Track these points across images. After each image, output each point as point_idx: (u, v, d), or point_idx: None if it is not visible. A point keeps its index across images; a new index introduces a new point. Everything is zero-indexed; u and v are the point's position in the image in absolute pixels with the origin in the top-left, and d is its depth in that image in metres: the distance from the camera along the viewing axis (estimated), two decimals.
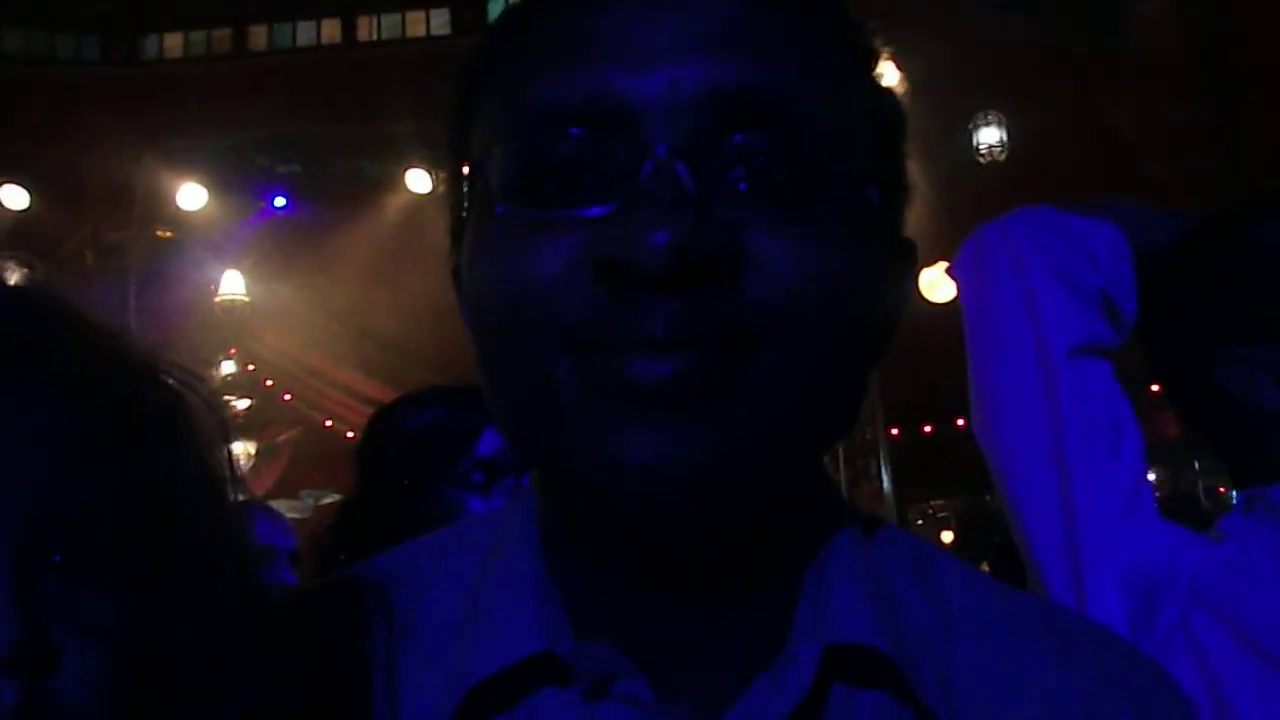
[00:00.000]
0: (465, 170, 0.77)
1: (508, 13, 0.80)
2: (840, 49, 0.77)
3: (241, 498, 0.79)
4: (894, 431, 14.20)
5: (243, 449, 15.38)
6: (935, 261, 12.69)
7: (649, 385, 0.66)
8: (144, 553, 0.69)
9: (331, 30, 16.50)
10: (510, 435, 0.77)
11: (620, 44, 0.70)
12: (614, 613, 0.78)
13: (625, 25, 0.71)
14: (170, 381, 0.76)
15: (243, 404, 15.74)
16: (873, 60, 0.81)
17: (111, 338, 0.75)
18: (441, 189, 0.83)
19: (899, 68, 10.76)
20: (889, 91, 0.81)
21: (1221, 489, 10.27)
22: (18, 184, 11.71)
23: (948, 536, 13.92)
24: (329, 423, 18.05)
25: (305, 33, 16.54)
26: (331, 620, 0.83)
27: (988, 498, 14.30)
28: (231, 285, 13.42)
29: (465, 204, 0.77)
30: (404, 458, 2.31)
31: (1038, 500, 1.50)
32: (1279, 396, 1.47)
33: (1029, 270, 1.56)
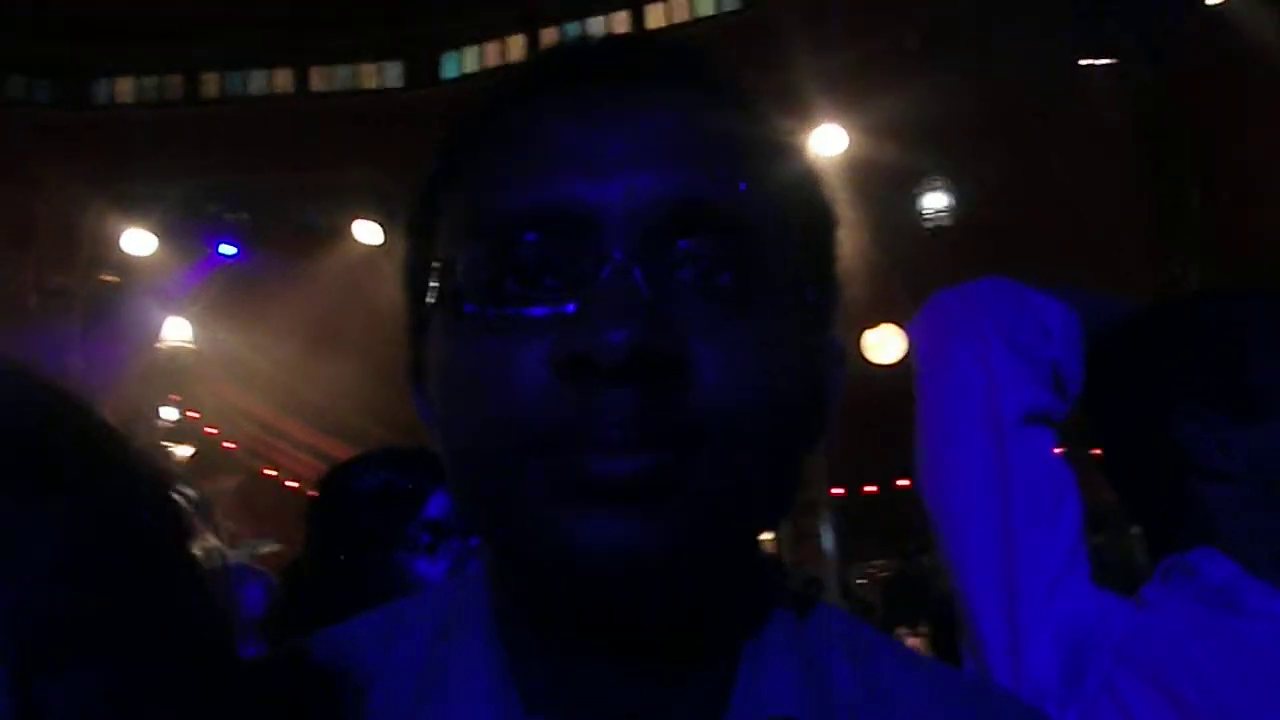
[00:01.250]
0: (435, 267, 0.80)
1: (473, 115, 0.85)
2: (776, 156, 0.82)
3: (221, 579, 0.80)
4: (837, 491, 14.26)
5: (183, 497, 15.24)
6: (880, 323, 12.82)
7: (608, 482, 0.71)
8: (140, 649, 0.70)
9: (284, 79, 16.53)
10: (470, 519, 0.81)
11: (581, 154, 0.75)
12: (563, 688, 0.81)
13: (585, 136, 0.76)
14: (162, 481, 0.77)
15: (184, 451, 15.60)
16: (805, 164, 0.86)
17: (110, 437, 0.76)
18: (401, 272, 0.87)
19: (845, 133, 10.94)
20: (821, 193, 0.87)
21: None
22: None
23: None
24: (270, 471, 17.90)
25: (257, 81, 16.55)
26: (287, 699, 0.85)
27: (924, 558, 14.39)
28: (177, 332, 13.35)
29: (431, 301, 0.81)
30: (353, 519, 2.32)
31: (980, 559, 1.54)
32: (1219, 459, 1.51)
33: (986, 337, 1.61)
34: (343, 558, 2.26)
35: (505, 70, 0.85)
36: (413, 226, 0.85)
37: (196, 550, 0.78)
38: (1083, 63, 11.37)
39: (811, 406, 0.82)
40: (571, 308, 0.72)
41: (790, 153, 0.85)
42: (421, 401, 0.86)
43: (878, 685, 0.87)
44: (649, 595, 0.74)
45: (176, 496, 0.78)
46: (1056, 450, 1.59)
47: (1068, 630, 1.47)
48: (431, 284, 0.80)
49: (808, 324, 0.80)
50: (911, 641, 8.13)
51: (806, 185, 0.86)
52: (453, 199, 0.82)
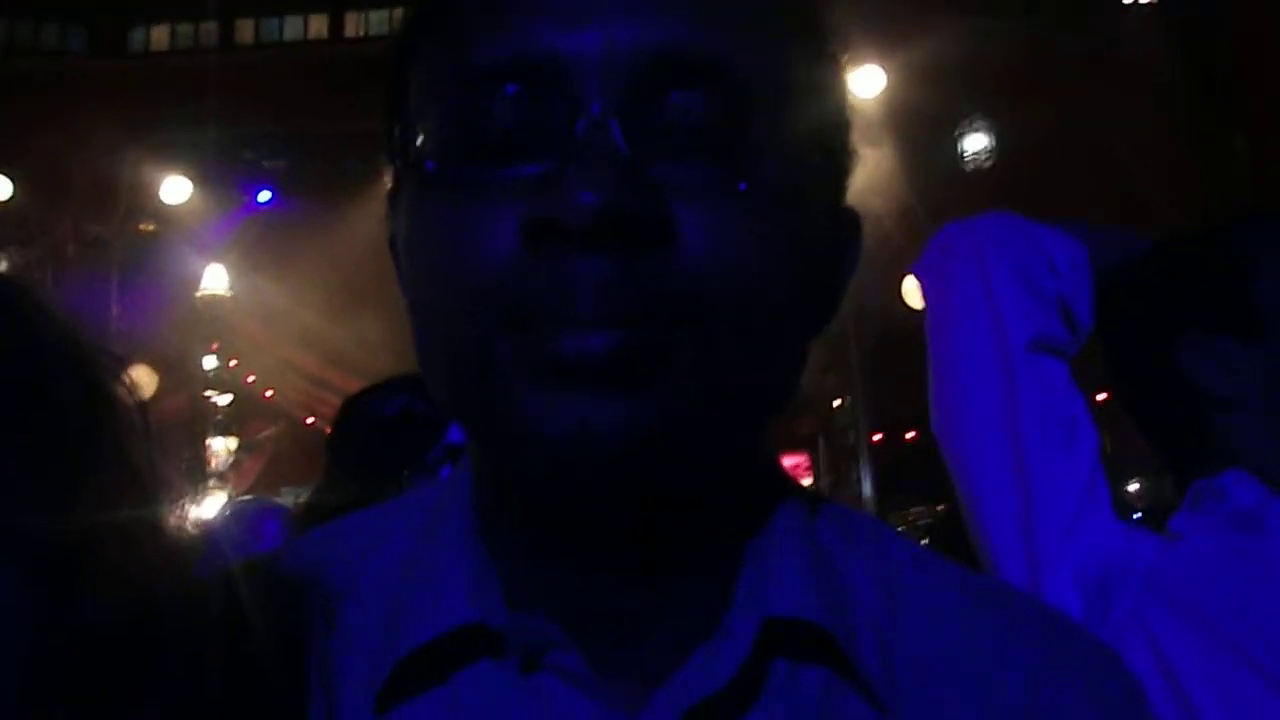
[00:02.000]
0: (400, 130, 0.75)
1: None
2: (779, 9, 0.75)
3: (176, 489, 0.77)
4: (876, 438, 14.24)
5: (224, 445, 15.38)
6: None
7: (580, 360, 0.65)
8: (74, 547, 0.68)
9: (319, 25, 16.51)
10: (443, 400, 0.76)
11: (555, 1, 0.69)
12: (548, 586, 0.76)
13: None
14: (93, 363, 0.75)
15: (224, 399, 15.73)
16: (815, 27, 0.79)
17: (34, 310, 0.73)
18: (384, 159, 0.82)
19: (884, 74, 10.83)
20: (832, 58, 0.79)
21: None
22: (1, 173, 11.68)
23: (926, 543, 13.96)
24: (310, 419, 18.02)
25: (292, 27, 16.55)
26: (267, 597, 0.82)
27: None
28: (214, 280, 13.41)
29: (400, 172, 0.76)
30: (375, 447, 2.32)
31: (995, 492, 1.52)
32: (1228, 385, 1.49)
33: (990, 268, 1.59)
34: (364, 486, 2.26)
35: None
36: (387, 93, 0.79)
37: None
38: (1127, 1, 11.20)
39: (814, 283, 0.76)
40: (544, 168, 0.67)
41: (796, 6, 0.77)
42: (399, 275, 0.80)
43: (894, 584, 0.82)
44: (626, 485, 0.69)
45: (105, 371, 0.75)
46: (1071, 381, 1.57)
47: (1090, 561, 1.45)
48: (397, 149, 0.75)
49: (811, 192, 0.74)
50: None
51: (813, 40, 0.78)
52: (422, 61, 0.75)
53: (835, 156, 0.79)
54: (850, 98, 0.82)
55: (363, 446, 2.33)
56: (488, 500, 0.80)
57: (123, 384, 0.76)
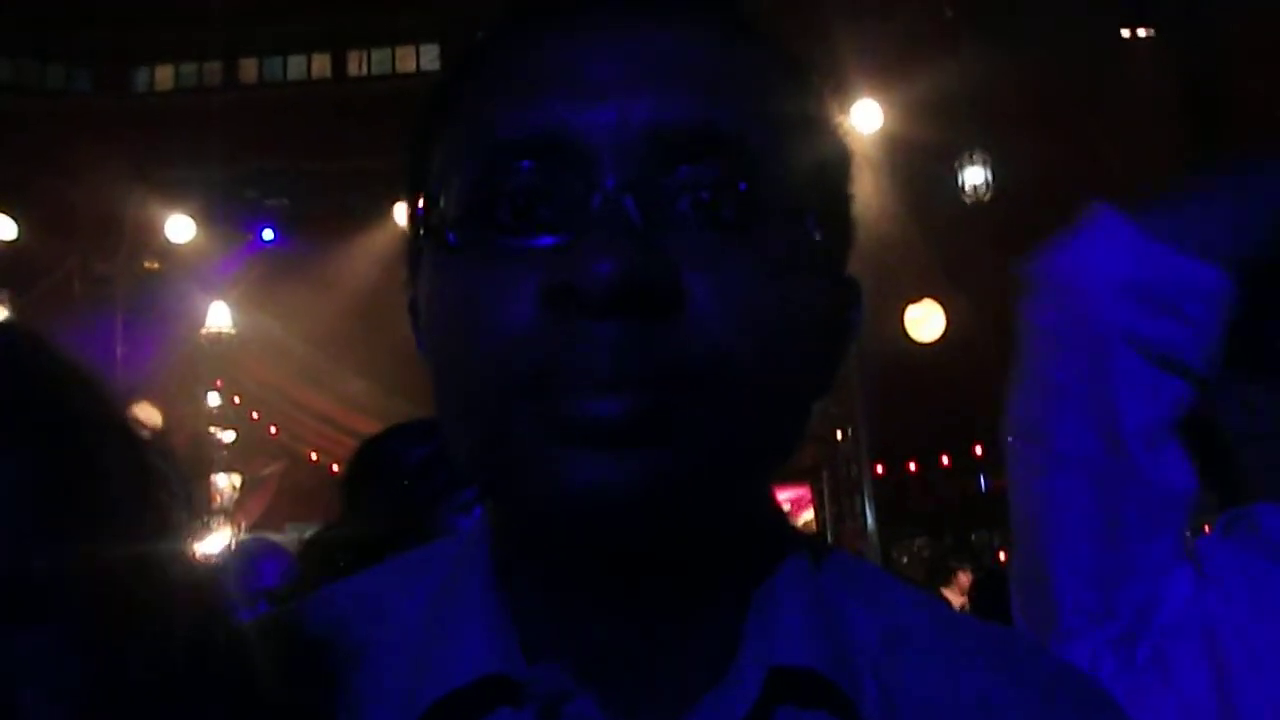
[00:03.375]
0: (422, 199, 0.78)
1: (466, 49, 0.82)
2: (784, 85, 0.79)
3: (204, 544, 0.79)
4: (879, 469, 14.21)
5: (228, 481, 15.37)
6: (920, 299, 12.75)
7: (595, 423, 0.68)
8: (110, 611, 0.69)
9: (321, 65, 16.59)
10: (462, 460, 0.79)
11: (571, 79, 0.73)
12: (565, 636, 0.79)
13: (576, 60, 0.74)
14: (136, 433, 0.77)
15: (228, 436, 15.72)
16: (817, 96, 0.83)
17: (86, 387, 0.75)
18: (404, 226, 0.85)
19: (881, 109, 10.86)
20: (835, 129, 0.83)
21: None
22: (6, 213, 11.73)
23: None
24: (314, 456, 17.99)
25: (296, 67, 16.63)
26: (292, 650, 0.84)
27: (972, 536, 14.31)
28: (218, 318, 13.44)
29: (421, 234, 0.79)
30: (408, 488, 2.32)
31: (1072, 555, 1.44)
32: (1245, 423, 1.49)
33: (1111, 346, 1.43)
34: (396, 527, 2.26)
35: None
36: (409, 163, 0.83)
37: (172, 512, 0.77)
38: (1125, 33, 11.24)
39: (818, 349, 0.79)
40: (561, 239, 0.70)
41: (800, 82, 0.81)
42: (419, 339, 0.84)
43: (896, 630, 0.84)
44: (639, 538, 0.72)
45: (152, 456, 0.77)
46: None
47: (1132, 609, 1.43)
48: (419, 216, 0.78)
49: (815, 261, 0.77)
50: None
51: (817, 116, 0.82)
52: (444, 133, 0.79)
53: (839, 226, 0.83)
54: (852, 154, 0.86)
55: (391, 485, 2.34)
56: (505, 553, 0.83)
57: (150, 433, 0.77)
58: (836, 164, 0.82)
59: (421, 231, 0.78)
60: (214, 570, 0.81)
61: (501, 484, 0.77)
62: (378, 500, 2.34)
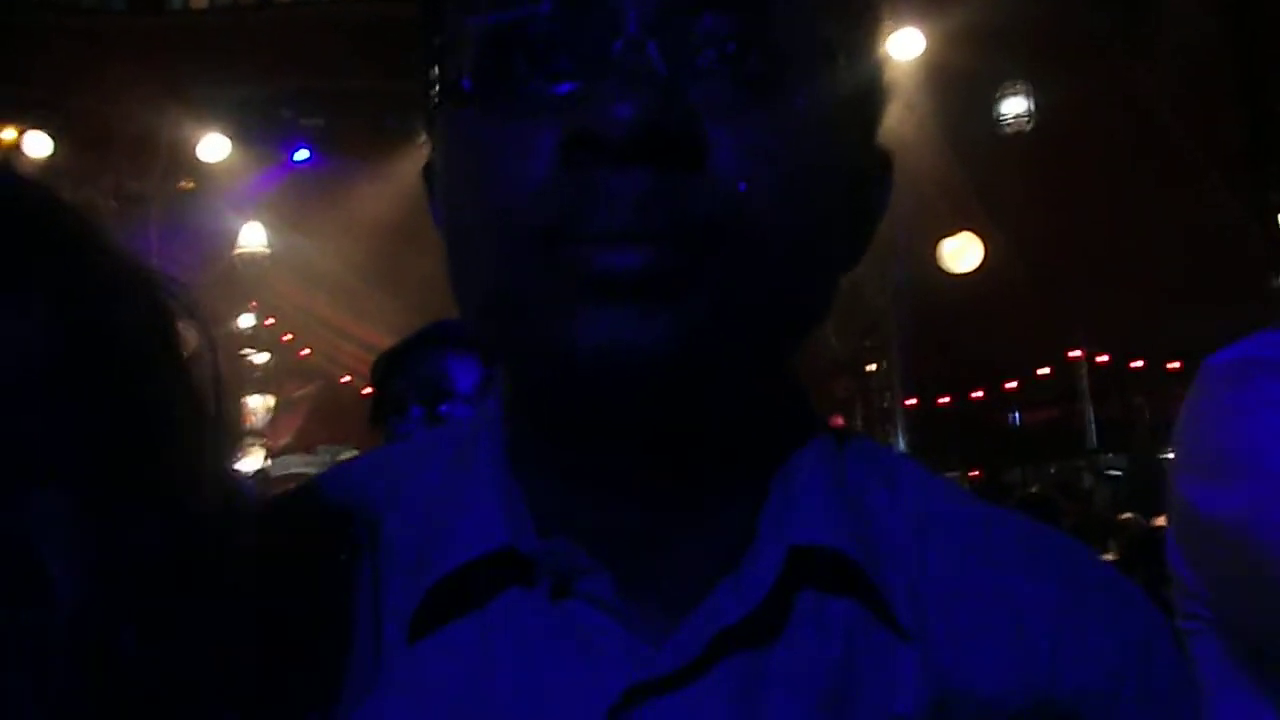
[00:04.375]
0: (437, 50, 0.76)
1: None
2: None
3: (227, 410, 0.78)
4: (910, 402, 14.19)
5: (261, 402, 15.47)
6: (956, 231, 12.65)
7: (613, 275, 0.67)
8: (127, 470, 0.69)
9: None
10: (476, 325, 0.77)
11: None
12: (577, 512, 0.78)
13: None
14: (155, 290, 0.76)
15: (261, 358, 15.81)
16: None
17: (97, 239, 0.74)
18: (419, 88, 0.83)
19: (923, 36, 10.72)
20: (876, 13, 0.80)
21: None
22: (41, 131, 11.75)
23: None
24: (347, 378, 18.08)
25: None
26: (309, 522, 0.84)
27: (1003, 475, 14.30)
28: (252, 238, 13.45)
29: (435, 87, 0.77)
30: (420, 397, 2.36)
31: None
32: None
33: None
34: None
35: None
36: (422, 18, 0.79)
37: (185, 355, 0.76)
38: None
39: (843, 212, 0.77)
40: (581, 86, 0.68)
41: None
42: (432, 202, 0.82)
43: (923, 517, 0.83)
44: (656, 398, 0.70)
45: (167, 299, 0.76)
46: None
47: None
48: (434, 70, 0.76)
49: (843, 122, 0.75)
50: None
51: None
52: None
53: (868, 90, 0.80)
54: (886, 50, 0.83)
55: (408, 399, 2.37)
56: (518, 426, 0.82)
57: (190, 313, 0.76)
58: (867, 21, 0.79)
59: (436, 84, 0.76)
60: (236, 446, 0.80)
61: (513, 343, 0.75)
62: (386, 404, 2.38)
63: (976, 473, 13.85)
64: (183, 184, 12.95)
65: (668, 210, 0.67)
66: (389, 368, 2.45)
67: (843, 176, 0.76)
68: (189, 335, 0.76)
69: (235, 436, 0.79)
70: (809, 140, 0.71)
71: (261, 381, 15.80)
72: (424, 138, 0.83)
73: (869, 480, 0.84)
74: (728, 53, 0.69)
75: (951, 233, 12.16)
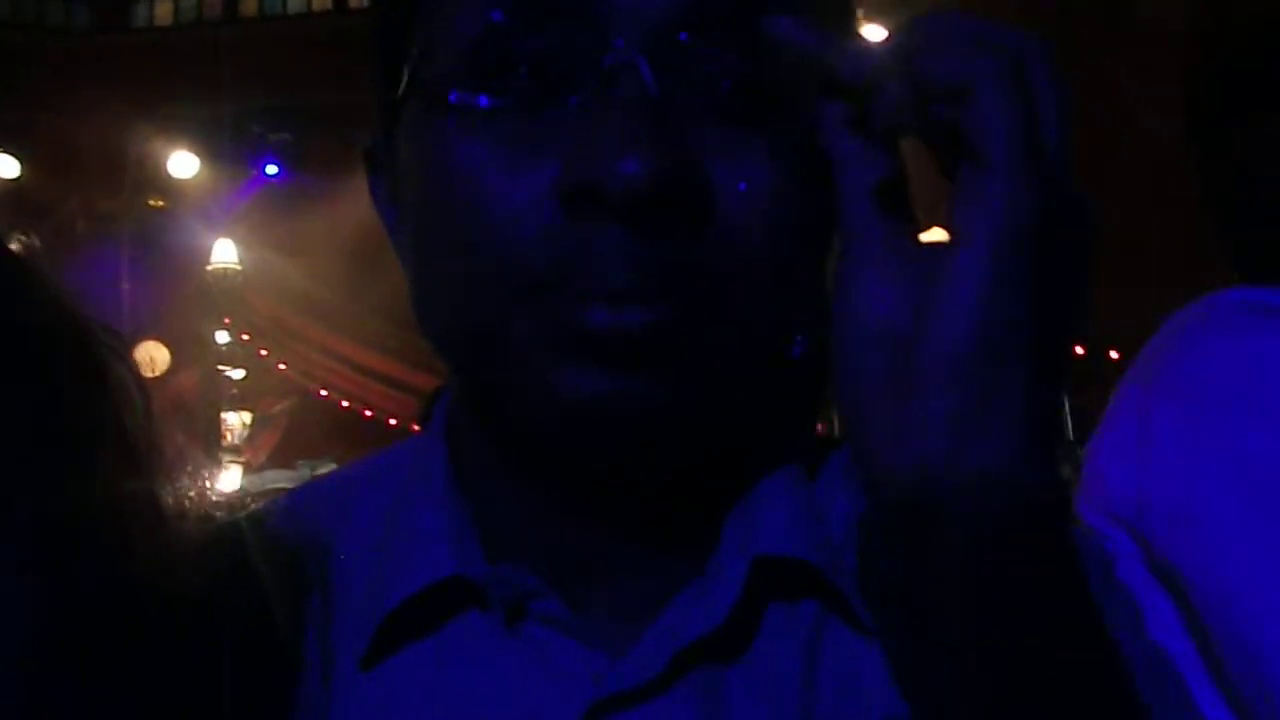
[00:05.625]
0: (412, 51, 0.72)
1: None
2: None
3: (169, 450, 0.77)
4: None
5: (239, 419, 15.40)
6: (929, 227, 12.65)
7: (606, 334, 0.65)
8: (60, 530, 0.68)
9: None
10: (446, 355, 0.75)
11: None
12: (529, 536, 0.76)
13: None
14: (85, 335, 0.75)
15: (237, 374, 15.74)
16: None
17: (39, 298, 0.73)
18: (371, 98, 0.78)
19: (888, 33, 10.72)
20: (853, 14, 0.80)
21: None
22: (8, 152, 11.69)
23: None
24: (324, 392, 18.02)
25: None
26: (256, 556, 0.83)
27: None
28: (224, 254, 13.39)
29: (406, 96, 0.73)
30: None
31: None
32: None
33: None
34: None
35: None
36: (384, 25, 0.77)
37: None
38: None
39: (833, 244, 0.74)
40: (573, 103, 0.66)
41: None
42: (381, 203, 0.80)
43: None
44: (639, 461, 0.69)
45: (99, 343, 0.75)
46: None
47: None
48: (407, 70, 0.73)
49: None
50: None
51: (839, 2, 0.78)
52: None
53: None
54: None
55: None
56: (470, 455, 0.80)
57: (120, 358, 0.75)
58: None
59: (406, 88, 0.73)
60: (204, 505, 0.79)
61: (489, 383, 0.73)
62: None
63: None
64: (152, 202, 12.91)
65: (666, 271, 0.65)
66: None
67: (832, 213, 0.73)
68: (124, 378, 0.75)
69: (176, 472, 0.78)
70: (806, 181, 0.69)
71: (238, 398, 15.74)
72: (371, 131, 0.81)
73: (838, 487, 0.82)
74: (720, 85, 0.67)
75: (925, 228, 12.20)
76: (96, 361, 0.73)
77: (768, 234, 0.68)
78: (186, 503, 0.76)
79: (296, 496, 0.92)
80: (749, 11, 0.67)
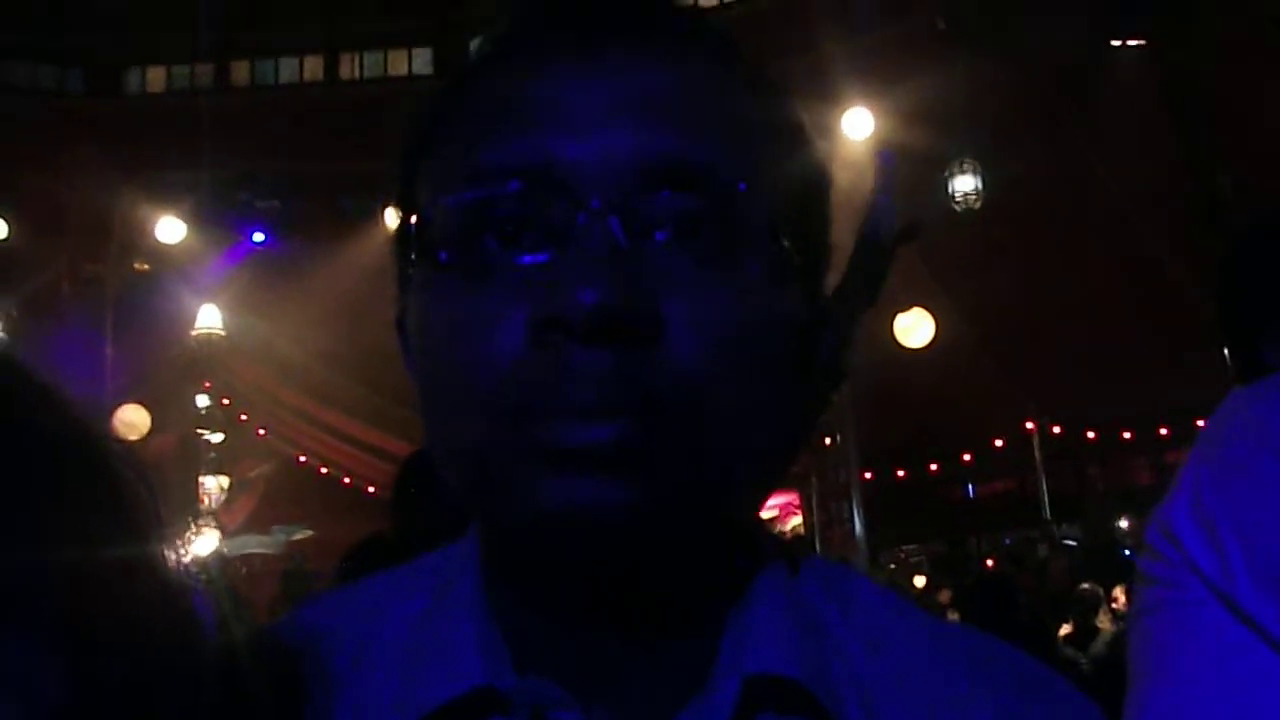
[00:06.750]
0: (414, 221, 0.81)
1: (454, 77, 0.85)
2: (763, 112, 0.82)
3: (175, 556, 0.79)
4: (867, 475, 14.21)
5: (216, 483, 15.34)
6: (910, 307, 12.76)
7: (579, 449, 0.71)
8: (85, 618, 0.70)
9: (314, 67, 16.58)
10: (447, 474, 0.81)
11: (556, 112, 0.76)
12: (549, 648, 0.81)
13: (561, 94, 0.76)
14: (99, 438, 0.77)
15: (217, 438, 15.69)
16: (797, 122, 0.85)
17: (40, 396, 0.75)
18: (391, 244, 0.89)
19: (873, 117, 10.88)
20: (811, 153, 0.86)
21: None
22: None
23: (920, 580, 13.91)
24: (302, 458, 17.95)
25: (287, 69, 16.62)
26: (282, 661, 0.86)
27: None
28: (208, 319, 13.41)
29: (411, 254, 0.81)
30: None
31: None
32: None
33: None
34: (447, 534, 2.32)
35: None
36: (399, 188, 0.86)
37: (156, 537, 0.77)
38: (1113, 43, 11.29)
39: (796, 375, 0.81)
40: (547, 257, 0.72)
41: (780, 108, 0.84)
42: (406, 355, 0.86)
43: (873, 636, 0.87)
44: (619, 560, 0.74)
45: (117, 462, 0.77)
46: None
47: None
48: (411, 238, 0.81)
49: (793, 288, 0.79)
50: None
51: (797, 142, 0.84)
52: (434, 158, 0.82)
53: (816, 252, 0.85)
54: (830, 178, 0.88)
55: (445, 497, 2.39)
56: (493, 567, 0.85)
57: (127, 461, 0.78)
58: (815, 189, 0.85)
59: (413, 250, 0.81)
60: (193, 578, 0.81)
61: (487, 507, 0.79)
62: (428, 512, 2.38)
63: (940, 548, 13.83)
64: (138, 266, 12.92)
65: (628, 387, 0.71)
66: None
67: (794, 339, 0.80)
68: (131, 479, 0.78)
69: (187, 584, 0.80)
70: (761, 309, 0.76)
71: (216, 462, 15.68)
72: (400, 285, 0.87)
73: (822, 602, 0.88)
74: (683, 229, 0.74)
75: (904, 308, 12.27)
76: (108, 464, 0.76)
77: (719, 355, 0.74)
78: (182, 574, 0.78)
79: (326, 601, 0.96)
80: (707, 166, 0.75)
